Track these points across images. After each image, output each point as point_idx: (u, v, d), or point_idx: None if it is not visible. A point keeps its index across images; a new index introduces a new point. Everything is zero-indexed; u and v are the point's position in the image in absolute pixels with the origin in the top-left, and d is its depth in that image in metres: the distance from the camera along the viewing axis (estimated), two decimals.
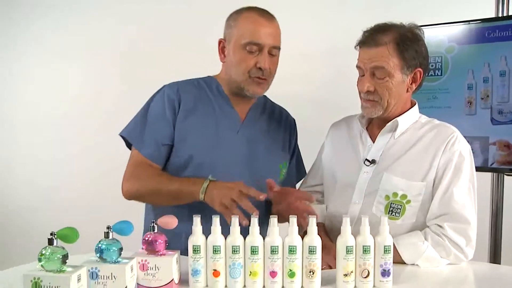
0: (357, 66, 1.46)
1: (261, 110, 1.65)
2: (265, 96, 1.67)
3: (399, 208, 1.41)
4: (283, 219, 1.28)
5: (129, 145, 1.59)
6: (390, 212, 1.42)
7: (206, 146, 1.52)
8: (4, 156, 3.00)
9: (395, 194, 1.42)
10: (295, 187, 1.72)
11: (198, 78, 1.64)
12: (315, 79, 2.59)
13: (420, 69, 1.44)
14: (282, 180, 1.64)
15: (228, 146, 1.55)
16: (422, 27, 1.99)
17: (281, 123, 1.68)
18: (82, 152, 2.83)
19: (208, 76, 1.64)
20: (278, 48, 1.53)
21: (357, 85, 1.47)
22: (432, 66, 2.03)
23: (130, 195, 1.51)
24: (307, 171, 1.73)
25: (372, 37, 1.42)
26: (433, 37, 2.02)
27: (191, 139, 1.52)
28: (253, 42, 1.48)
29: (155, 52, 2.66)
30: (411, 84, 1.45)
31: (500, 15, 2.02)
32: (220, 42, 1.57)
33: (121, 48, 2.76)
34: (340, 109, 2.46)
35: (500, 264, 1.99)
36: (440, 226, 1.35)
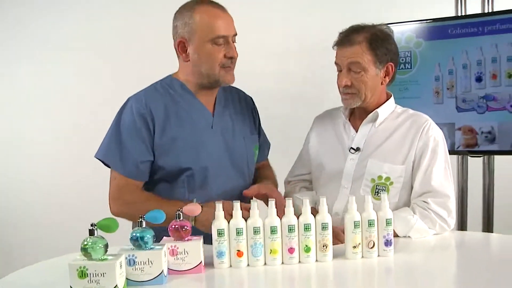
0: (336, 63, 1.62)
1: (223, 98, 1.69)
2: None
3: (384, 189, 1.58)
4: None
5: (107, 164, 1.59)
6: (376, 193, 1.58)
7: (191, 150, 1.57)
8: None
9: (380, 177, 1.58)
10: (267, 158, 1.85)
11: (158, 81, 1.65)
12: (288, 76, 2.73)
13: (391, 63, 1.61)
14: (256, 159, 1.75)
15: (209, 143, 1.60)
16: (392, 24, 2.20)
17: (242, 106, 1.74)
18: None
19: (168, 76, 1.65)
20: (236, 34, 1.59)
21: (337, 81, 1.63)
22: (402, 60, 2.23)
23: (118, 215, 1.50)
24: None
25: (347, 37, 1.58)
26: (402, 33, 2.23)
27: (175, 148, 1.55)
28: (220, 35, 1.52)
29: (147, 51, 2.69)
30: (384, 77, 1.62)
31: (459, 14, 2.25)
32: (179, 42, 1.56)
33: (113, 46, 2.78)
34: (313, 104, 2.63)
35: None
36: (425, 202, 1.53)
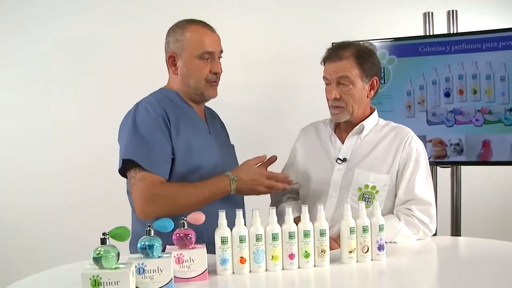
0: (324, 77, 1.72)
1: (208, 110, 1.84)
2: None
3: (370, 198, 1.67)
4: None
5: (123, 169, 1.58)
6: (363, 200, 1.66)
7: (201, 151, 1.65)
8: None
9: (366, 186, 1.68)
10: None
11: (156, 91, 1.73)
12: (256, 88, 2.77)
13: (376, 78, 1.72)
14: None
15: (212, 147, 1.71)
16: (366, 41, 2.31)
17: (217, 118, 1.89)
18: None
19: (163, 88, 1.74)
20: (222, 51, 1.73)
21: (326, 94, 1.72)
22: None
23: (153, 217, 1.44)
24: None
25: (335, 53, 1.69)
26: (376, 50, 2.35)
27: (189, 149, 1.62)
28: (207, 51, 1.66)
29: (145, 52, 2.66)
30: (369, 90, 1.73)
31: (427, 33, 2.42)
32: (170, 57, 1.69)
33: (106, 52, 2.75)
34: (281, 115, 2.71)
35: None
36: (409, 209, 1.64)
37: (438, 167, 2.41)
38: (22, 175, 2.75)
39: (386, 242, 1.56)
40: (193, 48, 1.65)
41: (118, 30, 2.68)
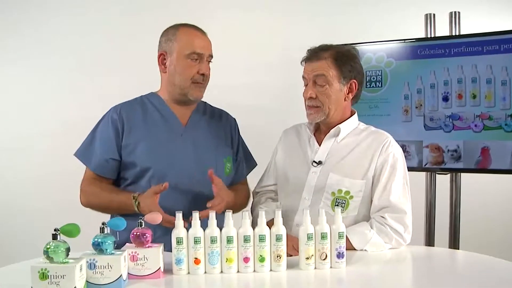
0: (303, 77, 1.72)
1: (202, 114, 1.85)
2: (205, 102, 1.88)
3: (343, 203, 1.65)
4: None
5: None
6: (336, 206, 1.64)
7: (155, 153, 1.71)
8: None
9: (339, 191, 1.66)
10: (245, 176, 1.95)
11: (142, 95, 1.84)
12: (266, 89, 2.80)
13: (355, 81, 1.69)
14: (229, 173, 1.84)
15: (175, 149, 1.73)
16: (364, 44, 2.29)
17: (221, 123, 1.88)
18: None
19: (150, 93, 1.84)
20: (212, 56, 1.77)
21: (303, 94, 1.72)
22: (373, 78, 2.32)
23: (85, 206, 1.76)
24: (256, 162, 1.97)
25: (315, 53, 1.69)
26: (374, 53, 2.32)
27: (139, 150, 1.71)
28: (195, 52, 1.71)
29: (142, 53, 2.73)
30: (347, 93, 1.70)
31: (428, 35, 2.34)
32: (160, 55, 1.76)
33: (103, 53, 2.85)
34: (290, 117, 2.69)
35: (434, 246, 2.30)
36: (382, 217, 1.60)
37: (436, 174, 2.34)
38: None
39: (356, 250, 1.57)
40: (183, 47, 1.71)
41: (128, 29, 2.77)
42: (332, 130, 1.72)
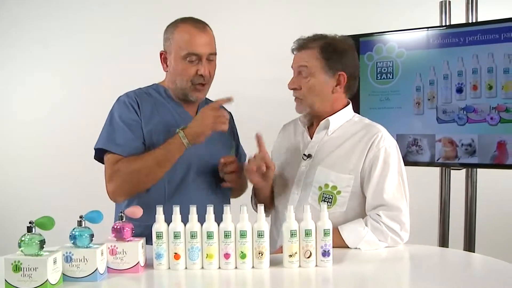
0: (292, 68, 1.66)
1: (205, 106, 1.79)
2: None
3: (330, 198, 1.58)
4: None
5: (99, 158, 1.67)
6: (322, 201, 1.57)
7: None
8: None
9: (326, 185, 1.59)
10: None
11: (145, 86, 1.77)
12: (275, 83, 2.74)
13: (343, 73, 1.60)
14: None
15: None
16: (375, 34, 2.19)
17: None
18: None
19: (154, 84, 1.78)
20: (214, 54, 1.68)
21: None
22: (384, 70, 2.22)
23: (119, 195, 1.61)
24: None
25: (303, 43, 1.63)
26: (384, 43, 2.21)
27: (159, 139, 1.64)
28: (192, 53, 1.62)
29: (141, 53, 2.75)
30: (336, 86, 1.62)
31: (444, 24, 2.22)
32: (161, 54, 1.70)
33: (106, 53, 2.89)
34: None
35: (448, 247, 2.18)
36: (377, 215, 1.52)
37: (451, 169, 2.22)
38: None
39: (350, 248, 1.50)
40: (179, 48, 1.64)
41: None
42: (322, 123, 1.65)
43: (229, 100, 1.61)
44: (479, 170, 2.16)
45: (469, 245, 2.18)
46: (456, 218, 2.24)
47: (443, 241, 2.24)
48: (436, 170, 2.26)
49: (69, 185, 2.93)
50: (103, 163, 1.68)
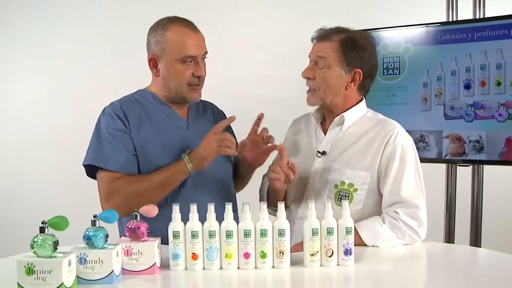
0: (309, 56, 1.62)
1: (196, 108, 1.75)
2: None
3: (347, 196, 1.54)
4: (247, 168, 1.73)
5: (91, 174, 1.60)
6: (339, 199, 1.54)
7: (169, 149, 1.60)
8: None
9: (342, 183, 1.55)
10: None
11: (130, 94, 1.70)
12: (293, 81, 2.71)
13: (359, 71, 1.56)
14: (233, 160, 1.78)
15: (184, 142, 1.63)
16: (381, 29, 2.17)
17: (215, 115, 1.79)
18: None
19: (140, 90, 1.71)
20: (206, 52, 1.64)
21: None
22: (391, 65, 2.19)
23: (123, 209, 1.45)
24: None
25: (325, 34, 1.59)
26: (391, 38, 2.19)
27: (152, 148, 1.59)
28: (188, 55, 1.57)
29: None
30: (350, 82, 1.58)
31: (450, 19, 2.20)
32: (151, 59, 1.62)
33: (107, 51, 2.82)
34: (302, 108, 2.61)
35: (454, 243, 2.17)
36: (395, 212, 1.50)
37: (457, 166, 2.21)
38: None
39: (368, 246, 1.47)
40: (174, 51, 1.57)
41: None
42: (336, 119, 1.61)
43: (231, 120, 1.58)
44: (485, 166, 2.15)
45: (475, 241, 2.17)
46: (462, 215, 2.24)
47: (449, 238, 2.23)
48: (442, 167, 2.24)
49: (69, 185, 2.84)
50: (95, 179, 1.60)
